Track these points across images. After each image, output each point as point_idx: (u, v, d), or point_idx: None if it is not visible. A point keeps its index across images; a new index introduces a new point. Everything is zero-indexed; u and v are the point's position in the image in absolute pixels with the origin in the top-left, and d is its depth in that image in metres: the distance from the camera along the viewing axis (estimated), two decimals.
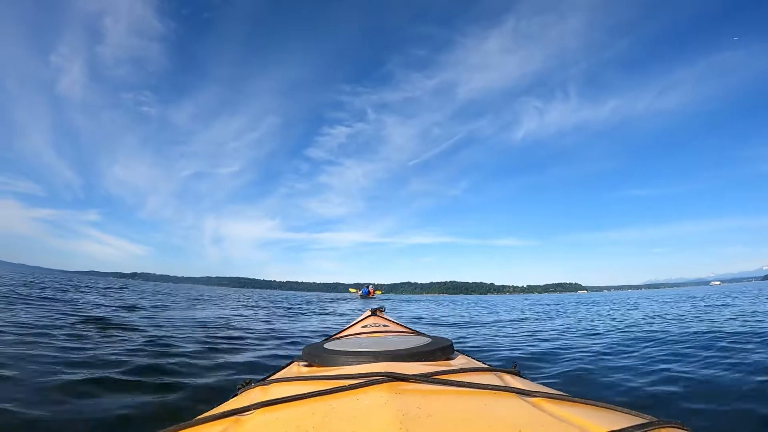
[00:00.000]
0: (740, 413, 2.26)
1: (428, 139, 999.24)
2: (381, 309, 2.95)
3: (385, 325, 2.34)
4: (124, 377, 2.70)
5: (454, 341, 1.51)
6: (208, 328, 5.55)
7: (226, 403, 1.06)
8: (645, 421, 0.77)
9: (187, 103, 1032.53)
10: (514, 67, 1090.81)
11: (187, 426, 0.82)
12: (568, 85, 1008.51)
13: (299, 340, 4.84)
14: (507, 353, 4.17)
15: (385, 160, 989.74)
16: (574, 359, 3.72)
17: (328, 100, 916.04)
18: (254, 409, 0.88)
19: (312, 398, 0.90)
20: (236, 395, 1.16)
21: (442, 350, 1.36)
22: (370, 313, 2.85)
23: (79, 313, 6.03)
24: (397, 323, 2.50)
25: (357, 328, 2.30)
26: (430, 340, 1.53)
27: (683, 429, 0.77)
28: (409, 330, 2.19)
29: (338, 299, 23.80)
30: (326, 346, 1.49)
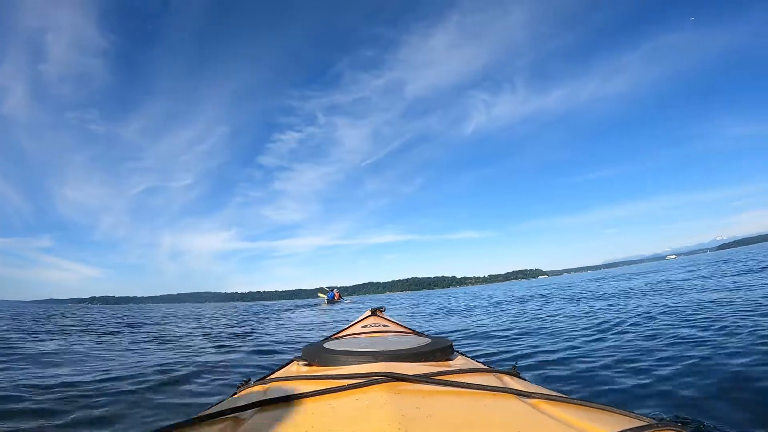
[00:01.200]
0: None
1: (380, 138, 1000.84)
2: (381, 309, 2.95)
3: (384, 325, 2.35)
4: None
5: (453, 342, 1.52)
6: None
7: (225, 401, 1.07)
8: (644, 423, 0.78)
9: (135, 118, 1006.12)
10: (460, 62, 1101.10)
11: (186, 425, 0.83)
12: (514, 77, 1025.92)
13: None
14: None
15: (338, 162, 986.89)
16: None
17: (277, 106, 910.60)
18: (253, 408, 0.88)
19: (311, 398, 0.91)
20: (235, 394, 1.17)
21: (441, 351, 1.37)
22: (370, 313, 2.85)
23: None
24: (397, 323, 2.52)
25: (357, 328, 2.32)
26: (430, 340, 1.54)
27: (682, 430, 0.78)
28: (409, 330, 2.20)
29: (299, 306, 23.24)
30: (326, 345, 1.49)
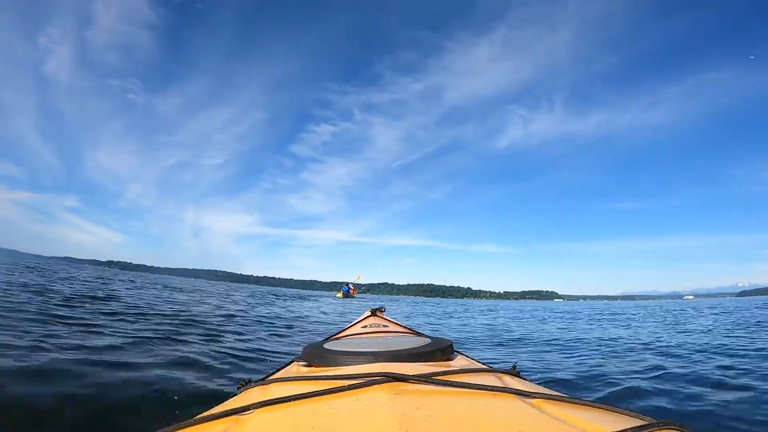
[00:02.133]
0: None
1: (413, 141, 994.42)
2: (381, 309, 2.94)
3: (384, 326, 2.34)
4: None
5: (453, 342, 1.53)
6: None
7: (225, 402, 1.07)
8: (644, 422, 0.77)
9: (174, 93, 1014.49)
10: (501, 75, 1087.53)
11: (186, 425, 0.83)
12: (554, 96, 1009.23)
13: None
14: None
15: (369, 160, 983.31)
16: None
17: (314, 97, 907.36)
18: (254, 408, 0.88)
19: (311, 398, 0.90)
20: (236, 395, 1.16)
21: (441, 351, 1.37)
22: (370, 313, 2.84)
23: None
24: (397, 323, 2.50)
25: (357, 328, 2.31)
26: (430, 340, 1.54)
27: (682, 430, 0.78)
28: (409, 330, 2.19)
29: (317, 297, 23.60)
30: (326, 346, 1.49)
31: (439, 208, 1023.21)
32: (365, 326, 2.36)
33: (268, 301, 13.69)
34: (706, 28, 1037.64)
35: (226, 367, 3.36)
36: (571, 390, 2.97)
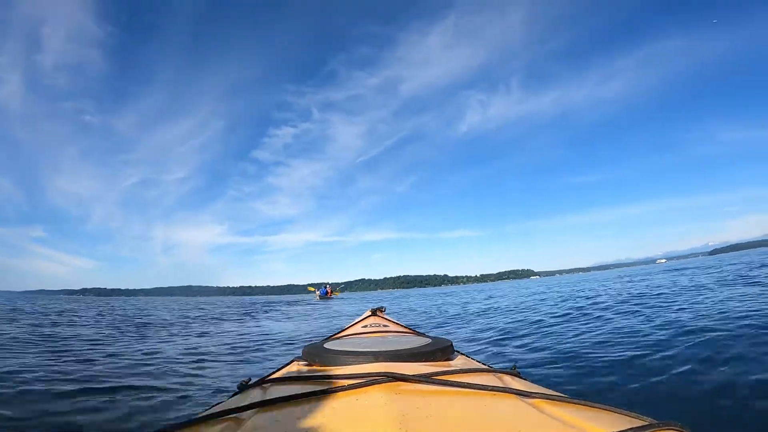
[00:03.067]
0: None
1: (374, 136, 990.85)
2: (381, 309, 2.91)
3: (385, 325, 2.33)
4: None
5: (453, 342, 1.52)
6: None
7: (225, 402, 1.07)
8: (644, 423, 0.78)
9: (130, 110, 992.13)
10: (456, 62, 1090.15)
11: (186, 425, 0.83)
12: (510, 78, 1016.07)
13: None
14: None
15: (332, 158, 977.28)
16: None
17: (272, 101, 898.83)
18: (253, 408, 0.88)
19: (311, 398, 0.90)
20: (236, 395, 1.16)
21: (441, 351, 1.36)
22: (370, 313, 2.81)
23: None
24: (397, 323, 2.49)
25: (357, 328, 2.30)
26: (430, 340, 1.53)
27: (683, 430, 0.77)
28: (409, 330, 2.19)
29: (291, 302, 22.67)
30: (326, 345, 1.48)
31: (407, 200, 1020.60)
32: (365, 326, 2.35)
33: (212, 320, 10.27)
34: None
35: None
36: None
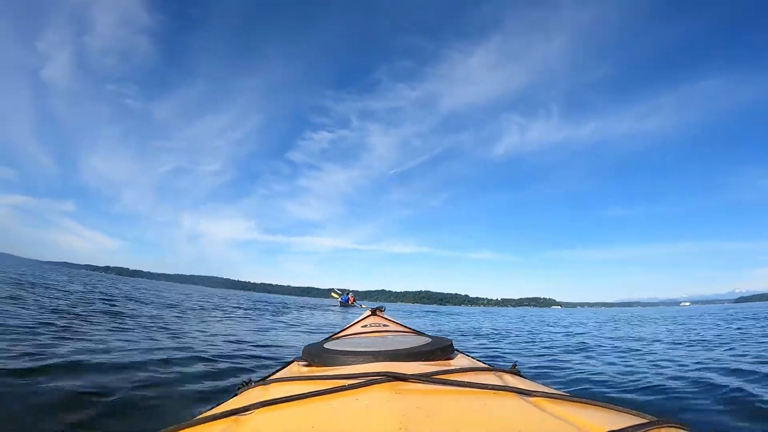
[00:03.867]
0: None
1: (409, 149, 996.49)
2: (381, 309, 2.97)
3: (385, 325, 2.35)
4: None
5: (453, 341, 1.52)
6: None
7: (225, 402, 1.07)
8: (645, 420, 0.77)
9: (171, 98, 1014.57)
10: (497, 83, 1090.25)
11: (186, 426, 0.82)
12: (550, 103, 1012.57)
13: None
14: None
15: (366, 167, 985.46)
16: None
17: (312, 104, 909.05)
18: (254, 408, 0.88)
19: (312, 398, 0.90)
20: (236, 395, 1.16)
21: (442, 350, 1.37)
22: (370, 312, 2.86)
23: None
24: (397, 323, 2.51)
25: (357, 328, 2.32)
26: (430, 339, 1.54)
27: (683, 428, 0.77)
28: (409, 330, 2.20)
29: (316, 306, 22.92)
30: (326, 345, 1.49)
31: (437, 216, 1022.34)
32: (365, 326, 2.38)
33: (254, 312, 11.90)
34: (698, 35, 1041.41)
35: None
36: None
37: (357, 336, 2.01)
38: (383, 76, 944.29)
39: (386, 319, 2.73)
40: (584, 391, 3.09)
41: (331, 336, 2.14)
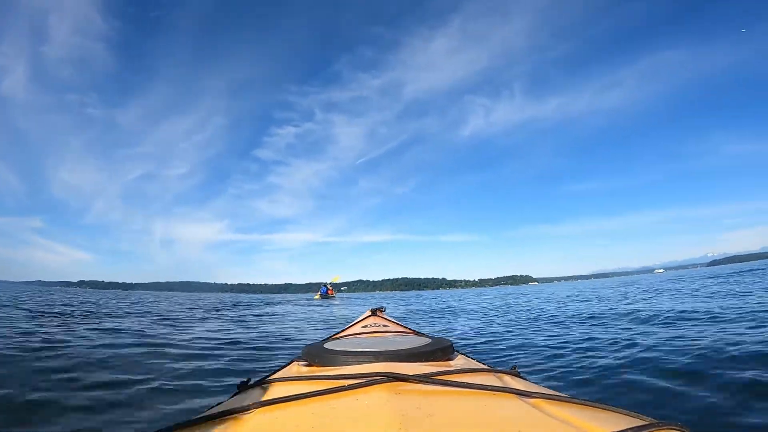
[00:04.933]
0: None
1: (376, 138, 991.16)
2: (381, 309, 2.92)
3: (385, 325, 2.33)
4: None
5: (453, 342, 1.52)
6: None
7: (225, 402, 1.07)
8: (645, 422, 0.77)
9: (134, 104, 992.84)
10: (459, 66, 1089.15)
11: (186, 426, 0.83)
12: (513, 84, 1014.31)
13: None
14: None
15: (333, 159, 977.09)
16: None
17: (276, 100, 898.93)
18: (253, 408, 0.88)
19: (311, 398, 0.90)
20: (235, 395, 1.16)
21: (442, 350, 1.37)
22: (370, 313, 2.82)
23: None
24: (397, 323, 2.49)
25: (357, 328, 2.31)
26: (431, 340, 1.53)
27: (683, 430, 0.77)
28: (409, 330, 2.18)
29: (296, 301, 22.87)
30: (326, 345, 1.48)
31: (407, 202, 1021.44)
32: (365, 326, 2.35)
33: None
34: (658, 7, 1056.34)
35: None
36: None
37: (357, 336, 1.98)
38: (345, 66, 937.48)
39: (386, 319, 2.69)
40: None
41: (331, 336, 2.12)
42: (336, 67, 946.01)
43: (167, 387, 2.85)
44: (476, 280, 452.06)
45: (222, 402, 1.09)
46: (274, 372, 1.38)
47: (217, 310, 12.37)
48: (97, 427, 2.13)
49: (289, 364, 1.47)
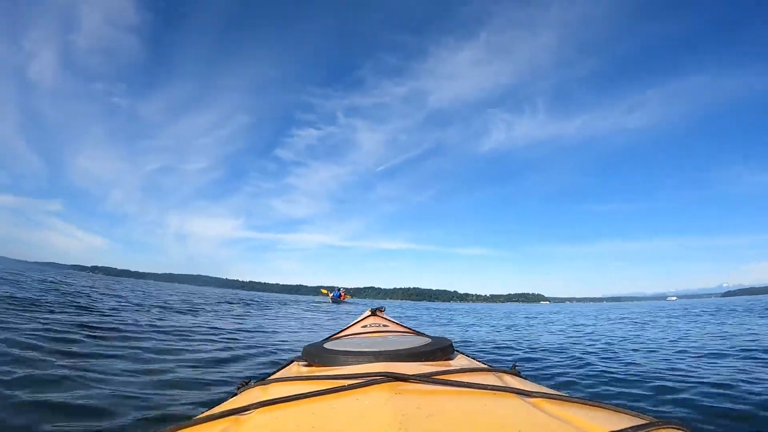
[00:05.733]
0: None
1: (396, 145, 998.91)
2: (381, 309, 2.95)
3: (385, 325, 2.35)
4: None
5: (453, 342, 1.52)
6: None
7: (225, 402, 1.07)
8: (644, 421, 0.77)
9: (158, 97, 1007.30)
10: (484, 79, 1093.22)
11: (186, 426, 0.82)
12: (536, 99, 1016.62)
13: None
14: None
15: (353, 164, 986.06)
16: None
17: (298, 101, 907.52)
18: (253, 408, 0.87)
19: (311, 398, 0.90)
20: (236, 395, 1.16)
21: (442, 350, 1.37)
22: (370, 313, 2.84)
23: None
24: (397, 323, 2.51)
25: (357, 328, 2.32)
26: (430, 340, 1.54)
27: (682, 429, 0.77)
28: (409, 330, 2.19)
29: (308, 303, 23.08)
30: (326, 345, 1.49)
31: (425, 212, 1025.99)
32: (365, 326, 2.38)
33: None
34: (685, 31, 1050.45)
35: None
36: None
37: (357, 336, 2.00)
38: (369, 72, 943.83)
39: (386, 319, 2.72)
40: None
41: (331, 336, 2.13)
42: (360, 72, 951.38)
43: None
44: (488, 295, 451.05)
45: (222, 402, 1.09)
46: (274, 372, 1.40)
47: (230, 305, 12.63)
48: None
49: (289, 364, 1.48)
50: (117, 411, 2.27)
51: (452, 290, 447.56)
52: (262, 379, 1.20)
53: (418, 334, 1.93)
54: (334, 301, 29.36)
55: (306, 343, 1.70)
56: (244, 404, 0.89)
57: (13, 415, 2.08)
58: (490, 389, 0.92)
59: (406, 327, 2.32)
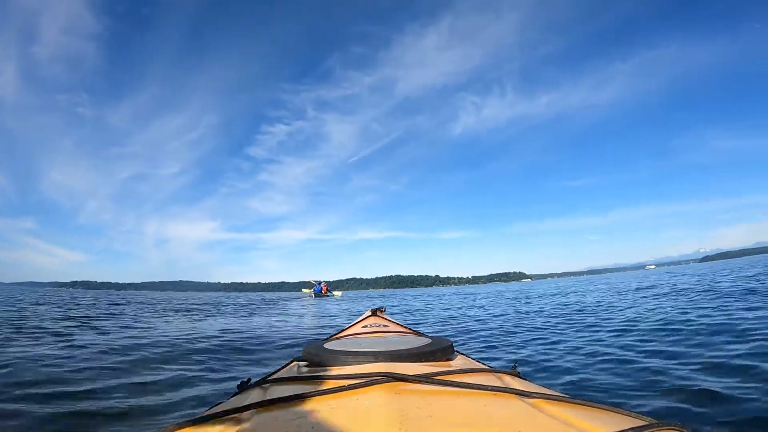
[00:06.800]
0: None
1: (368, 135, 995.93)
2: (381, 309, 2.89)
3: (385, 326, 2.32)
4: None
5: (453, 342, 1.51)
6: None
7: (225, 402, 1.07)
8: (644, 423, 0.78)
9: (125, 104, 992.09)
10: (451, 63, 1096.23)
11: (186, 425, 0.83)
12: (504, 81, 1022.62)
13: None
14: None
15: (326, 156, 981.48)
16: None
17: (267, 98, 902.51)
18: (254, 408, 0.88)
19: (311, 398, 0.90)
20: (235, 395, 1.16)
21: (442, 351, 1.36)
22: (370, 313, 2.80)
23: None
24: (397, 323, 2.48)
25: (357, 328, 2.29)
26: (431, 340, 1.53)
27: (682, 430, 0.78)
28: (409, 330, 2.18)
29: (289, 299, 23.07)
30: (326, 345, 1.48)
31: (400, 200, 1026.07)
32: (365, 326, 2.33)
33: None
34: (650, 4, 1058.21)
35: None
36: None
37: (357, 336, 1.97)
38: (336, 64, 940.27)
39: (386, 319, 2.67)
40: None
41: (331, 336, 2.10)
42: (327, 65, 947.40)
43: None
44: (469, 277, 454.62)
45: (222, 402, 1.10)
46: (274, 372, 1.36)
47: (218, 309, 12.43)
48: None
49: (289, 364, 1.46)
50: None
51: (433, 275, 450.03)
52: (262, 379, 1.20)
53: (419, 334, 1.92)
54: (316, 296, 29.49)
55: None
56: (244, 404, 0.90)
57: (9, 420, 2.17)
58: (490, 390, 0.93)
59: (406, 327, 2.30)
